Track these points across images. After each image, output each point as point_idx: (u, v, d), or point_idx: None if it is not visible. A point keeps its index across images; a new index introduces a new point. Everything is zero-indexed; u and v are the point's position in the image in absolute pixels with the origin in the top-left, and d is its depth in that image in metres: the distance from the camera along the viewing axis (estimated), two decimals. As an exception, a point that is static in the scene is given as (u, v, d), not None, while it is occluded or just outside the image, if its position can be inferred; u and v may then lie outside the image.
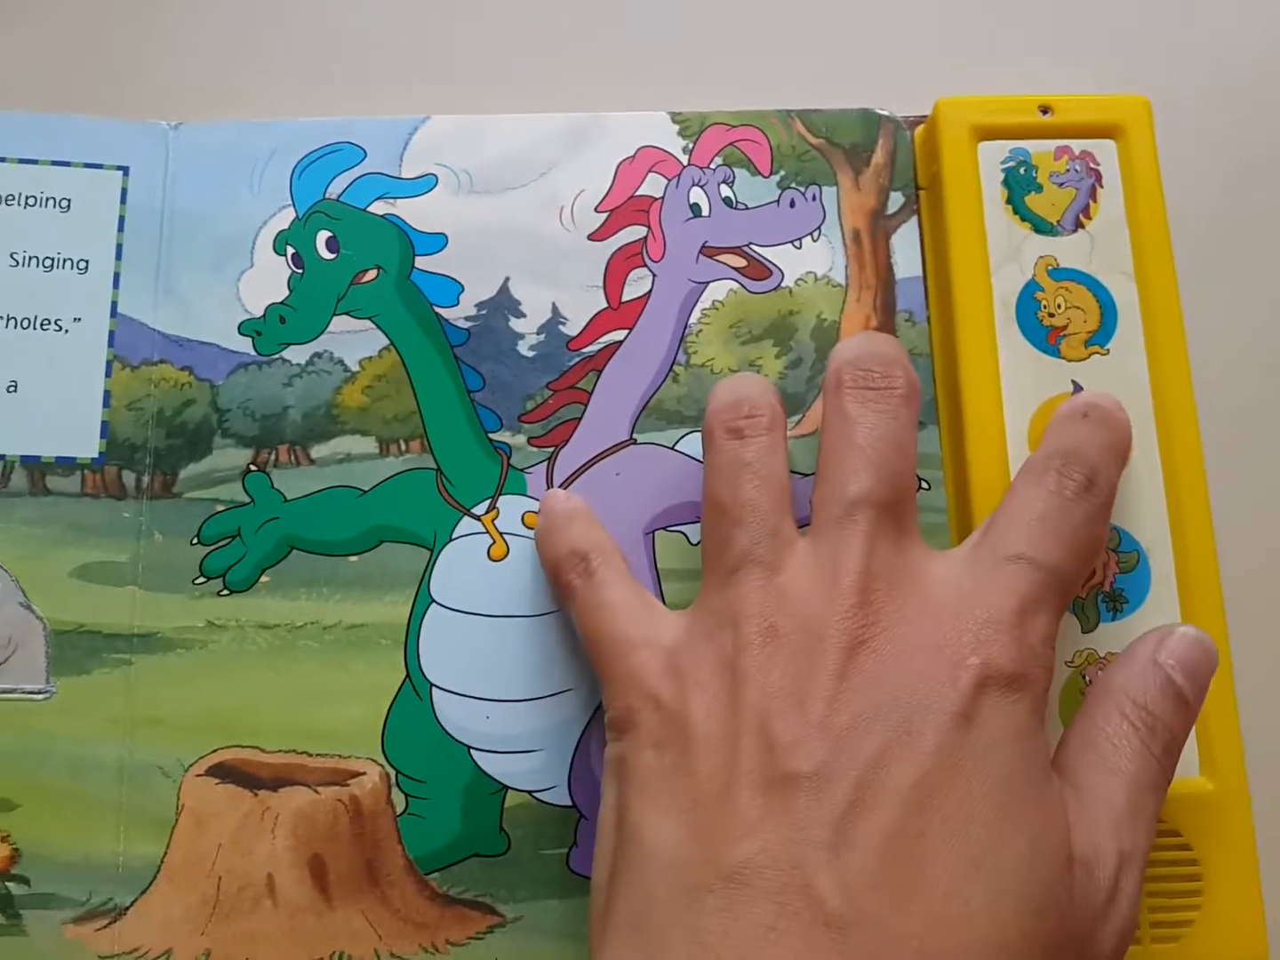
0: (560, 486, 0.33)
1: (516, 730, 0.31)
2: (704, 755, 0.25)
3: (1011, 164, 0.35)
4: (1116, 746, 0.26)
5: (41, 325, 0.34)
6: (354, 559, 0.33)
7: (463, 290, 0.35)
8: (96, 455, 0.33)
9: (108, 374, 0.34)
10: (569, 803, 0.31)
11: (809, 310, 0.35)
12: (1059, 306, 0.34)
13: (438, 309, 0.35)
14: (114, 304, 0.35)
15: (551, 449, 0.34)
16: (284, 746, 0.31)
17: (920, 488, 0.33)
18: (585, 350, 0.34)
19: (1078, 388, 0.33)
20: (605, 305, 0.35)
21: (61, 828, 0.30)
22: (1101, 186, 0.35)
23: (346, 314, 0.35)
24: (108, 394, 0.34)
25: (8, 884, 0.30)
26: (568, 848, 0.31)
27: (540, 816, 0.31)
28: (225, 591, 0.32)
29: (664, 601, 0.32)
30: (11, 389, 0.33)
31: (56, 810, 0.30)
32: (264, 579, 0.33)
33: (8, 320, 0.34)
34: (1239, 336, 0.37)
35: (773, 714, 0.24)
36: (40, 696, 0.31)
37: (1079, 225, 0.35)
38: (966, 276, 0.34)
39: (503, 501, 0.33)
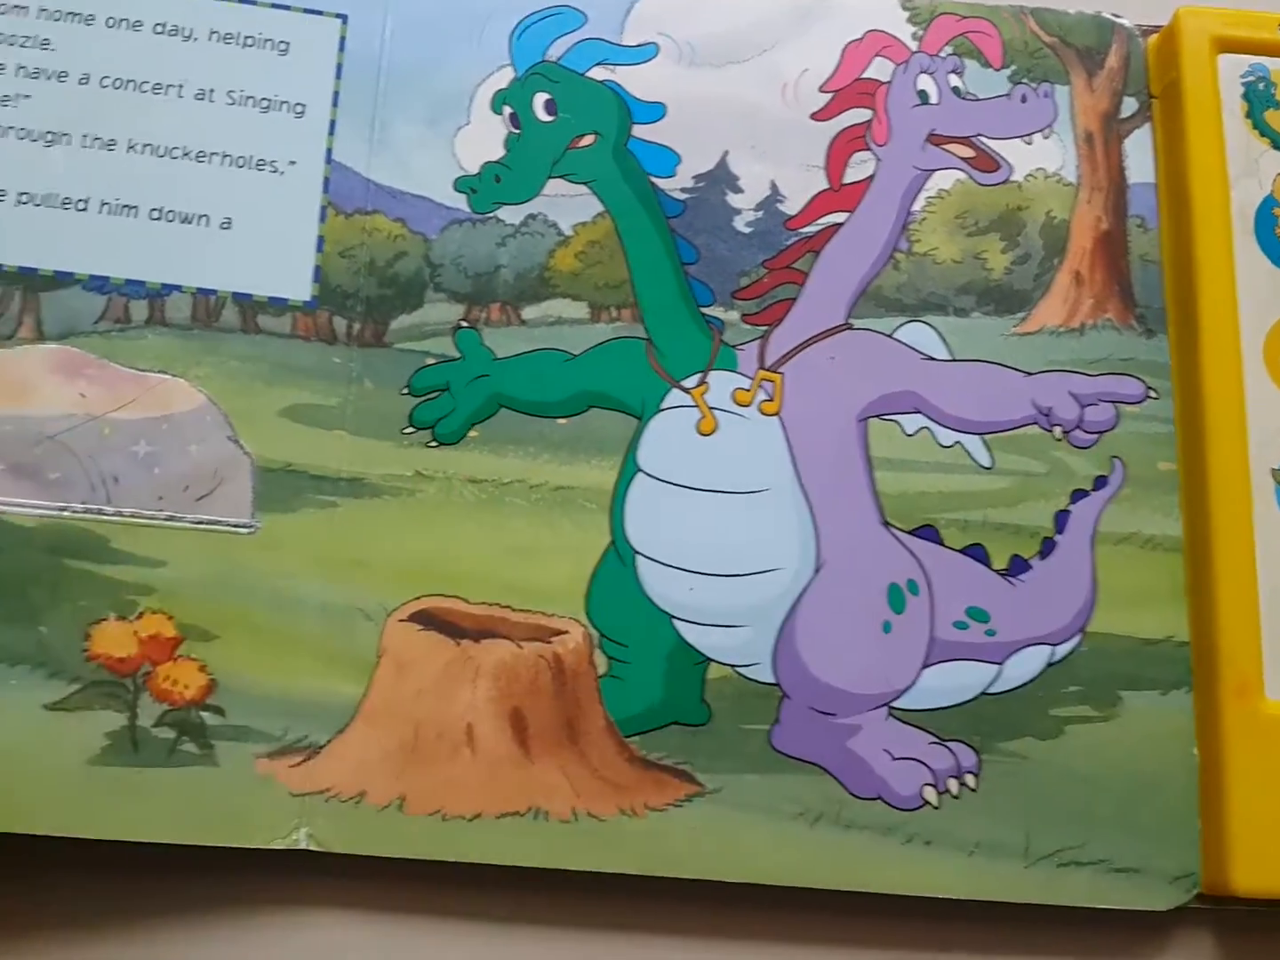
0: (771, 367, 0.33)
1: (720, 604, 0.31)
2: None
3: (1251, 79, 0.34)
4: None
5: (257, 165, 0.34)
6: (562, 422, 0.32)
7: (680, 161, 0.34)
8: (309, 298, 0.33)
9: (321, 219, 0.34)
10: (772, 680, 0.30)
11: (1038, 206, 0.34)
12: (1300, 223, 0.33)
13: (654, 179, 0.34)
14: (329, 150, 0.34)
15: (765, 328, 0.33)
16: (487, 599, 0.31)
17: (1149, 397, 0.32)
18: (804, 230, 0.34)
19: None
20: (826, 186, 0.34)
21: (260, 661, 0.30)
22: (1343, 107, 0.34)
23: (562, 177, 0.34)
24: (321, 239, 0.33)
25: (202, 714, 0.30)
26: (769, 725, 0.30)
27: (743, 691, 0.30)
28: (434, 443, 0.32)
29: (874, 491, 0.31)
30: (225, 225, 0.33)
31: (256, 643, 0.30)
32: (473, 434, 0.32)
33: (223, 158, 0.34)
34: None
35: None
36: (244, 531, 0.31)
37: (1320, 143, 0.33)
38: (1205, 186, 0.33)
39: (713, 377, 0.33)
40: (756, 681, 0.30)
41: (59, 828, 0.28)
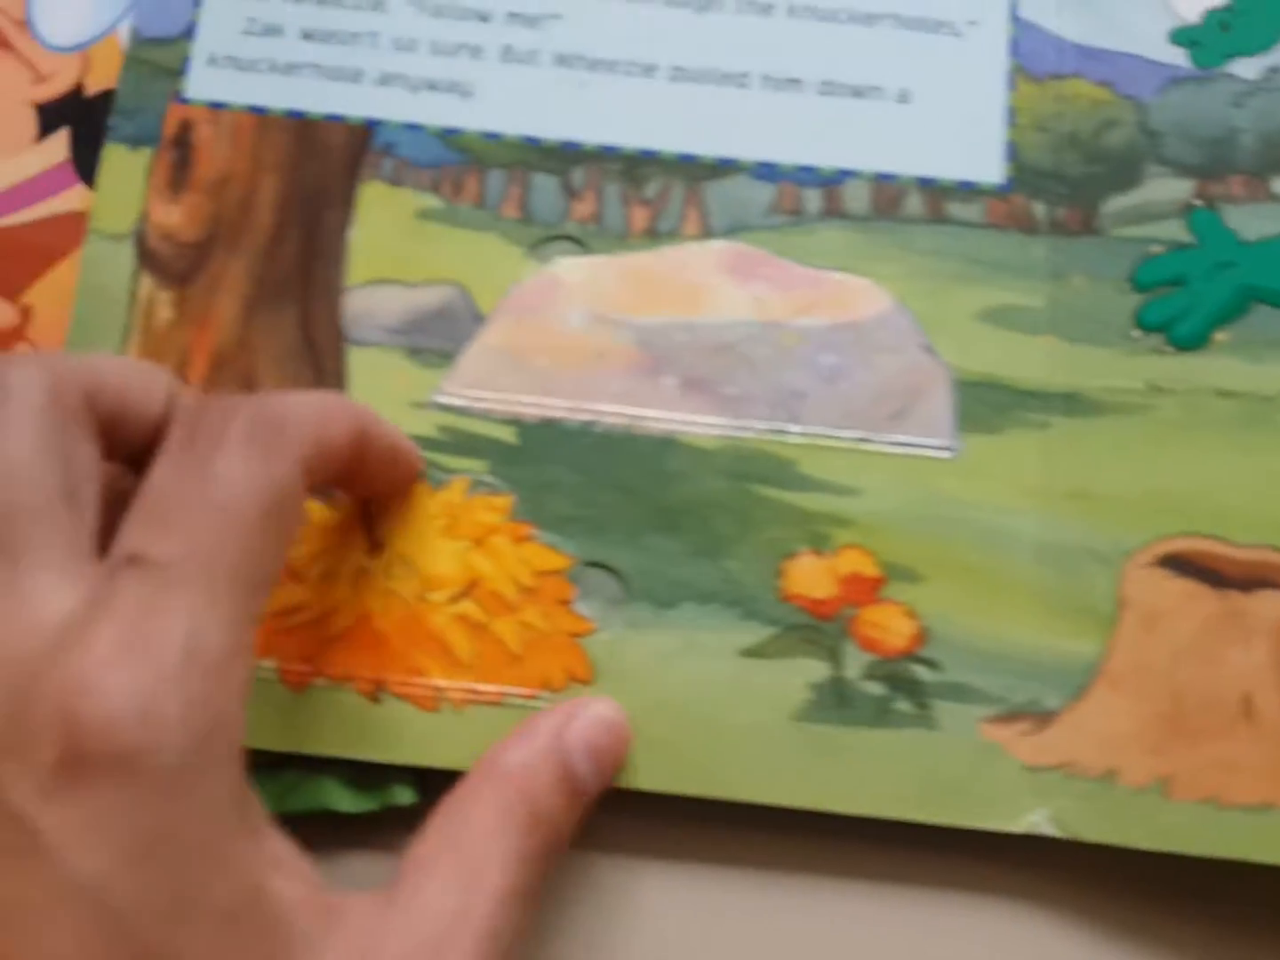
0: None
1: None
2: None
3: None
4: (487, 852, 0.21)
5: (932, 27, 0.29)
6: (1342, 320, 0.26)
7: None
8: (1002, 181, 0.28)
9: (1010, 87, 0.28)
10: None
11: None
12: None
13: None
14: (1013, 6, 0.29)
15: None
16: (1258, 540, 0.25)
17: None
18: None
19: None
20: None
21: (973, 608, 0.25)
22: None
23: (1315, 18, 0.27)
24: (1011, 111, 0.28)
25: (915, 667, 0.25)
26: None
27: None
28: (1169, 349, 0.26)
29: None
30: (903, 99, 0.28)
31: (966, 587, 0.26)
32: (1219, 336, 0.26)
33: (893, 19, 0.29)
34: None
35: None
36: (945, 454, 0.26)
37: None
38: None
39: None
40: None
41: (763, 794, 0.24)
